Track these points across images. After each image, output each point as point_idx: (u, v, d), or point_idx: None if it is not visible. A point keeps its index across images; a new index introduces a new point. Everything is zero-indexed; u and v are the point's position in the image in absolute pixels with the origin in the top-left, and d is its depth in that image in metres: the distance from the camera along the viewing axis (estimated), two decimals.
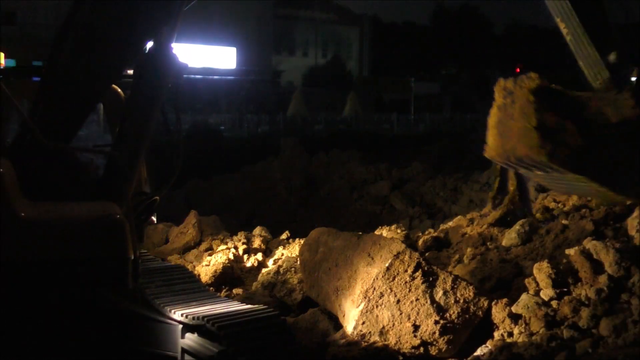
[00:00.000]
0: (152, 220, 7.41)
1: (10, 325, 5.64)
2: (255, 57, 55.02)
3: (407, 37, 71.65)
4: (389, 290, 6.63)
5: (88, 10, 5.95)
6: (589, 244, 7.09)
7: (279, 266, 8.67)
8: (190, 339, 5.94)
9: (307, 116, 42.97)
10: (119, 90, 6.85)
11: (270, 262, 9.88)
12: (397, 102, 56.37)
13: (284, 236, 10.88)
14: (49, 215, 5.57)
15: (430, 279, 6.67)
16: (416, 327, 6.50)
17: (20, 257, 5.42)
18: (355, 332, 6.65)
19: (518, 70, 73.19)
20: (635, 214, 7.57)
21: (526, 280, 6.99)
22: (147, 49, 6.13)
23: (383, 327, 6.58)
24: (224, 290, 8.95)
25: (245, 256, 10.10)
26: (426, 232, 10.53)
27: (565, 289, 6.76)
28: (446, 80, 68.49)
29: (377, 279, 6.68)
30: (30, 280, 5.48)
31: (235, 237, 10.65)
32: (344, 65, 68.25)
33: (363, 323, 6.64)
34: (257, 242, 10.52)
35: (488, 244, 8.79)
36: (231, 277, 9.41)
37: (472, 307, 6.66)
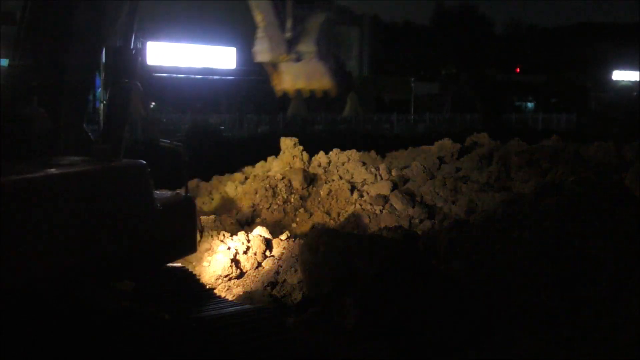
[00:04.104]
0: None
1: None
2: None
3: (407, 37, 71.61)
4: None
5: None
6: (589, 243, 7.08)
7: (279, 266, 8.66)
8: None
9: (307, 116, 42.86)
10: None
11: (270, 262, 9.86)
12: (397, 102, 56.24)
13: (284, 236, 10.87)
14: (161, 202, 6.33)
15: None
16: None
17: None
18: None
19: (518, 70, 73.05)
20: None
21: None
22: (114, 47, 6.35)
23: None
24: (224, 290, 8.95)
25: (245, 256, 10.09)
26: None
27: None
28: (446, 80, 68.42)
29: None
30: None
31: (235, 237, 10.64)
32: (344, 65, 68.18)
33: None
34: (257, 242, 10.51)
35: None
36: (231, 277, 9.40)
37: None
